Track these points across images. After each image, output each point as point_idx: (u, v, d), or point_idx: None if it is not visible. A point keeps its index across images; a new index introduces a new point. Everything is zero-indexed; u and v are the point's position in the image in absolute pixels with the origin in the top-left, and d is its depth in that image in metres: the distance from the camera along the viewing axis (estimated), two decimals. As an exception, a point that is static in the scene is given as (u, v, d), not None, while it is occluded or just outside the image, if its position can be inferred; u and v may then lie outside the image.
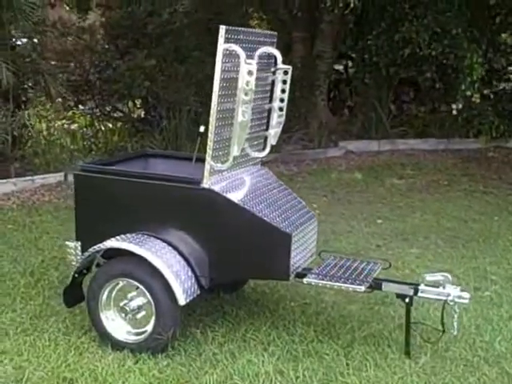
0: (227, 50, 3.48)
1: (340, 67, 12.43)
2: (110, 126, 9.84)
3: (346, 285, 3.63)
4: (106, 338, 3.74)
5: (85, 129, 9.74)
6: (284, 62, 11.25)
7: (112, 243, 3.63)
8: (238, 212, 3.59)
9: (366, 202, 7.50)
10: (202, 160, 4.28)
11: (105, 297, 3.73)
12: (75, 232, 4.01)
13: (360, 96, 10.72)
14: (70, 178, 8.05)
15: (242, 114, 3.55)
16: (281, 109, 4.04)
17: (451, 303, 3.58)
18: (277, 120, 4.07)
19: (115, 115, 9.76)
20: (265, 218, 3.60)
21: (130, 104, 9.57)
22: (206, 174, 3.59)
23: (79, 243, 3.98)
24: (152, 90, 8.52)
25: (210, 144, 3.56)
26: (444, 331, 3.68)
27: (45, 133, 9.13)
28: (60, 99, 8.25)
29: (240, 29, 3.61)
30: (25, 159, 7.81)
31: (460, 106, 8.60)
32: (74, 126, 10.17)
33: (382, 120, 10.50)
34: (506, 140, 10.66)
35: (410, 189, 8.27)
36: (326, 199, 7.47)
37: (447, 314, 3.73)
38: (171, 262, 3.58)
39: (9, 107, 7.31)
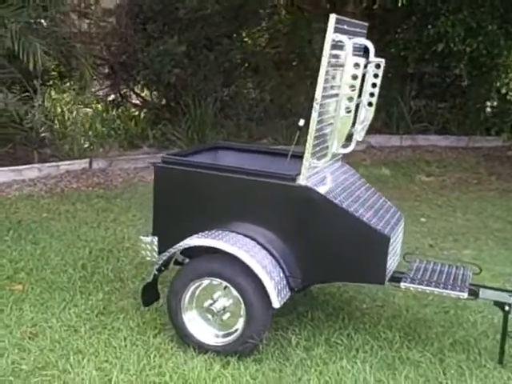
0: (334, 40, 3.29)
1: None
2: (131, 112, 9.59)
3: (446, 291, 3.48)
4: (187, 340, 3.55)
5: (104, 114, 9.44)
6: (304, 53, 11.02)
7: (202, 241, 3.44)
8: (336, 212, 3.42)
9: (403, 199, 7.34)
10: (279, 154, 4.17)
11: (188, 297, 3.54)
12: (152, 226, 3.80)
13: (383, 90, 10.53)
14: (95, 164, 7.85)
15: (346, 109, 3.37)
16: (370, 104, 3.87)
17: (554, 312, 3.45)
18: (365, 115, 3.89)
19: (137, 102, 9.50)
20: (363, 219, 3.43)
21: (153, 91, 9.29)
22: (304, 170, 3.40)
23: (156, 238, 3.78)
24: (180, 76, 8.26)
25: (309, 140, 3.37)
26: (544, 341, 3.56)
27: (64, 117, 8.86)
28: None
29: (345, 18, 3.42)
30: (53, 144, 7.53)
31: (495, 103, 8.49)
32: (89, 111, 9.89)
33: (403, 115, 10.35)
34: (526, 139, 10.59)
35: (442, 187, 8.15)
36: (362, 195, 7.30)
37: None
38: (264, 262, 3.40)
39: (39, 91, 7.02)
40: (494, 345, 3.83)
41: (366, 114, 3.90)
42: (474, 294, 3.53)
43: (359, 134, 3.96)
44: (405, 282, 3.55)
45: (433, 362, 3.58)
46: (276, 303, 3.34)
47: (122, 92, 9.34)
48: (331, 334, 3.83)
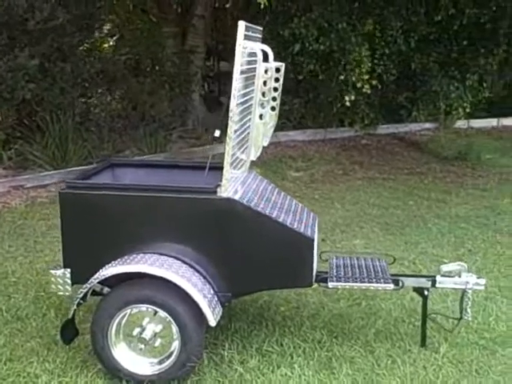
0: (244, 48, 3.23)
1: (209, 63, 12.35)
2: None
3: (373, 284, 3.56)
4: (119, 374, 3.33)
5: None
6: (158, 58, 10.79)
7: (127, 267, 3.22)
8: (260, 220, 3.37)
9: (281, 197, 7.47)
10: (178, 166, 4.06)
11: (114, 327, 3.32)
12: (63, 258, 3.51)
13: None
14: None
15: (259, 116, 3.33)
16: (273, 108, 3.86)
17: (469, 291, 3.66)
18: (269, 120, 3.87)
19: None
20: (287, 224, 3.42)
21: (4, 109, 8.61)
22: (225, 181, 3.32)
23: (68, 270, 3.50)
24: (35, 92, 7.76)
25: (228, 150, 3.29)
26: (461, 318, 3.75)
27: None
28: None
29: (248, 25, 3.37)
30: None
31: (352, 97, 8.88)
32: None
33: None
34: (375, 127, 11.26)
35: (312, 180, 8.41)
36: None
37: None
38: (194, 280, 3.27)
39: None
40: (412, 328, 4.01)
41: (270, 119, 3.88)
42: (396, 283, 3.64)
43: (264, 139, 3.93)
44: (332, 281, 3.59)
45: (364, 355, 3.66)
46: (212, 321, 3.23)
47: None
48: (260, 342, 3.79)
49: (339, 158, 9.71)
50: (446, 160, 9.39)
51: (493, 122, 12.42)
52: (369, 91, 8.71)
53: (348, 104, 8.96)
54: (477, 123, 12.04)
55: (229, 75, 11.76)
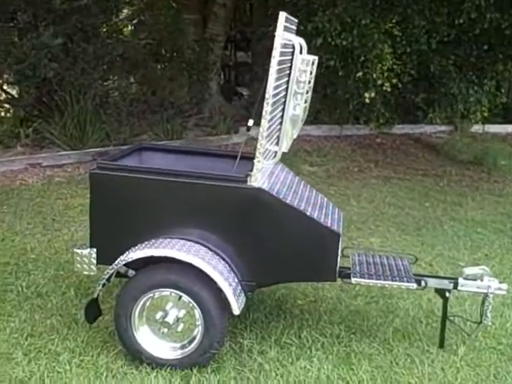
0: (284, 39, 3.23)
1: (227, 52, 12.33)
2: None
3: (397, 283, 3.57)
4: (140, 356, 3.35)
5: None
6: (178, 45, 10.79)
7: (155, 251, 3.24)
8: (288, 212, 3.37)
9: (296, 191, 7.47)
10: (209, 154, 4.07)
11: (138, 311, 3.34)
12: (90, 238, 3.52)
13: (259, 81, 10.64)
14: None
15: (294, 108, 3.33)
16: (305, 101, 3.85)
17: (490, 295, 3.66)
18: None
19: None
20: (314, 217, 3.42)
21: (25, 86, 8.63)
22: (256, 171, 3.32)
23: (94, 250, 3.51)
24: (57, 71, 7.76)
25: (260, 140, 3.29)
26: (481, 322, 3.76)
27: None
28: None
29: (288, 16, 3.36)
30: None
31: (373, 94, 8.86)
32: None
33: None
34: (390, 127, 11.23)
35: (328, 176, 8.40)
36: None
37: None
38: (220, 268, 3.28)
39: None
40: (430, 329, 4.01)
41: (301, 111, 3.87)
42: (419, 283, 3.65)
43: (294, 132, 3.93)
44: (355, 277, 3.60)
45: (382, 352, 3.68)
46: (236, 310, 3.25)
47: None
48: (279, 334, 3.80)
49: (354, 156, 9.69)
50: (461, 163, 9.37)
51: (508, 128, 12.36)
52: (389, 89, 8.67)
53: (367, 101, 8.93)
54: (492, 128, 12.00)
55: (246, 66, 11.90)
